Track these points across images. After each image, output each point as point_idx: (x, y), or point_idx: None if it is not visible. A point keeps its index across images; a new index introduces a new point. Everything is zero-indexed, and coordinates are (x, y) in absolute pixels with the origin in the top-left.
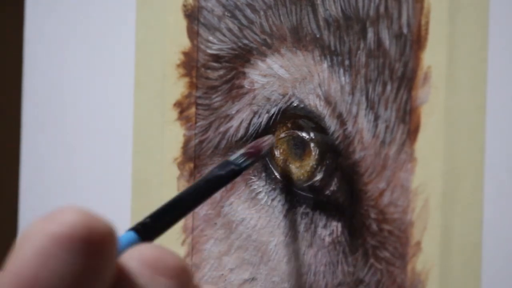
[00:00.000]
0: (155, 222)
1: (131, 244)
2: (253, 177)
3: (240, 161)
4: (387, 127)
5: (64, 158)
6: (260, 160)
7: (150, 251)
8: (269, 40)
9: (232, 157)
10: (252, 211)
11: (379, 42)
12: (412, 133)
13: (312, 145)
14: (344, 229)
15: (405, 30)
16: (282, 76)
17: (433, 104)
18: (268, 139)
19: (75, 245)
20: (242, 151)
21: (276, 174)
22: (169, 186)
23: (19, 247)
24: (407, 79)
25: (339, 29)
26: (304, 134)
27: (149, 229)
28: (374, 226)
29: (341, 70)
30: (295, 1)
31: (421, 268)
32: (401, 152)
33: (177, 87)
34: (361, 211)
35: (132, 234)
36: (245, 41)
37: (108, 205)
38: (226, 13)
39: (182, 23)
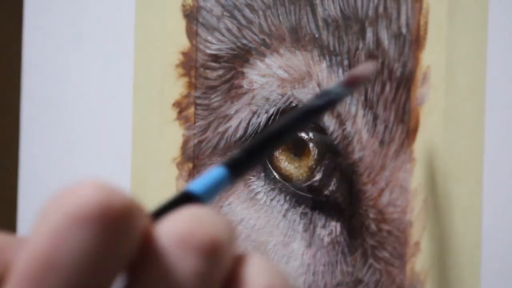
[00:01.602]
0: (248, 156)
1: (220, 180)
2: (252, 177)
3: (339, 90)
4: (386, 127)
5: (63, 158)
6: (358, 88)
7: (185, 222)
8: (268, 40)
9: (331, 86)
10: (251, 211)
11: (378, 42)
12: (411, 133)
13: (311, 145)
14: (343, 229)
15: (404, 30)
16: (281, 76)
17: (432, 104)
18: (368, 68)
19: (90, 224)
20: (341, 79)
21: (275, 174)
22: (168, 186)
23: (37, 223)
24: (406, 79)
25: (338, 29)
26: (303, 134)
27: (242, 164)
28: (373, 226)
29: (340, 70)
30: (294, 1)
31: (420, 268)
32: (400, 152)
33: (176, 87)
34: (360, 211)
35: (223, 170)
36: (244, 41)
37: None
38: (225, 13)
39: (181, 23)
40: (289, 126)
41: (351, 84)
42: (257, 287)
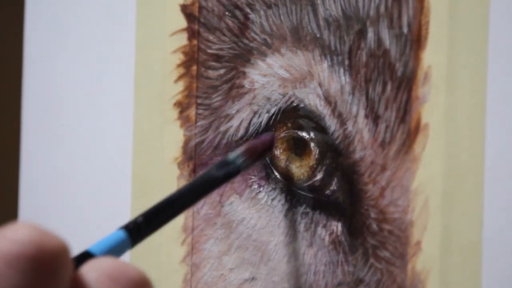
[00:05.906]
0: (148, 221)
1: (120, 243)
2: (253, 177)
3: (239, 162)
4: (387, 126)
5: (64, 158)
6: (259, 161)
7: (111, 262)
8: (269, 40)
9: (231, 156)
10: (252, 210)
11: (379, 42)
12: (412, 132)
13: (312, 144)
14: (344, 229)
15: (405, 30)
16: (282, 75)
17: (433, 103)
18: (268, 139)
19: (23, 263)
20: (241, 149)
21: (276, 173)
22: (169, 186)
23: None
24: (407, 79)
25: (339, 29)
26: (304, 134)
27: (141, 228)
28: (374, 226)
29: (341, 70)
30: (295, 0)
31: (421, 267)
32: (401, 151)
33: (177, 87)
34: (361, 210)
35: (122, 233)
36: (245, 41)
37: (108, 205)
38: (226, 13)
39: (182, 22)
40: (188, 195)
41: (251, 155)
42: None
